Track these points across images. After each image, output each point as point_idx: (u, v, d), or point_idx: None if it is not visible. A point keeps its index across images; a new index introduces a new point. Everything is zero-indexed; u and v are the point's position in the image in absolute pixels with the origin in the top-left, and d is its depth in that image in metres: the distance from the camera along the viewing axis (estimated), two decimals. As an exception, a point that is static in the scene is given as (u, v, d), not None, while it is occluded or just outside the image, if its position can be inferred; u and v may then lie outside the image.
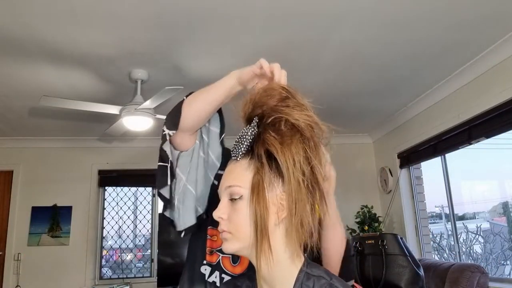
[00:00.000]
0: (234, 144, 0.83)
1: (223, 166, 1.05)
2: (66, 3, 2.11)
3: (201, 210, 1.07)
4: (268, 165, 0.78)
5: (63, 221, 4.44)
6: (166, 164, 1.03)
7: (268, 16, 2.31)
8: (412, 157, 4.07)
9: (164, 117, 3.24)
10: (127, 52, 2.68)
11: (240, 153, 0.81)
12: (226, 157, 1.08)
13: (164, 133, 1.04)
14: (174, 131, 1.02)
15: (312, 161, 0.78)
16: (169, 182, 1.03)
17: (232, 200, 0.80)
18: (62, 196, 4.46)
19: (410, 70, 3.12)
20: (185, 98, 1.04)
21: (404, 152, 4.17)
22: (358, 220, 4.31)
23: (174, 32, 2.45)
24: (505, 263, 3.86)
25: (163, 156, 1.03)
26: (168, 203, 1.05)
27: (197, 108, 1.01)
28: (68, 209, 4.47)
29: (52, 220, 4.43)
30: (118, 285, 4.15)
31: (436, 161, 3.82)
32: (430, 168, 4.22)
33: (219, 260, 1.06)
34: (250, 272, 0.87)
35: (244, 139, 0.81)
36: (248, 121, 0.84)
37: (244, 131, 0.82)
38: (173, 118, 1.02)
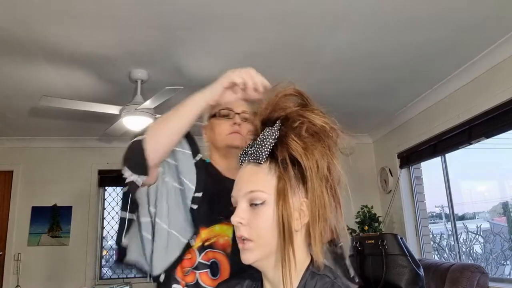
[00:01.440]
0: (255, 147, 0.80)
1: (199, 188, 1.02)
2: (66, 3, 2.11)
3: (184, 240, 1.02)
4: (292, 170, 0.77)
5: (63, 221, 4.44)
6: (133, 218, 0.98)
7: (268, 16, 2.31)
8: (412, 157, 4.07)
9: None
10: (127, 52, 2.68)
11: (264, 156, 0.78)
12: (202, 175, 1.04)
13: (129, 180, 0.94)
14: (145, 176, 0.95)
15: (332, 168, 0.79)
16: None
17: (253, 205, 0.77)
18: (62, 196, 4.46)
19: (410, 70, 3.12)
20: (140, 137, 0.96)
21: (404, 152, 4.17)
22: (358, 220, 4.30)
23: (174, 32, 2.45)
24: (505, 263, 3.86)
25: (132, 208, 0.97)
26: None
27: (163, 142, 0.95)
28: (68, 209, 4.47)
29: (52, 220, 4.43)
30: (118, 285, 4.15)
31: (436, 161, 3.82)
32: (430, 168, 4.22)
33: (197, 278, 1.02)
34: (252, 270, 0.87)
35: (267, 142, 0.79)
36: (265, 123, 0.83)
37: (265, 134, 0.80)
38: (138, 161, 0.94)
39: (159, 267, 1.00)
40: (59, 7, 2.15)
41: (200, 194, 1.03)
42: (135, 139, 0.97)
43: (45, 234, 4.39)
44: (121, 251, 1.00)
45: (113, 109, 2.99)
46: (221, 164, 1.21)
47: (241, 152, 0.86)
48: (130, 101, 2.98)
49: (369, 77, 3.23)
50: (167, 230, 1.01)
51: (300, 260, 0.78)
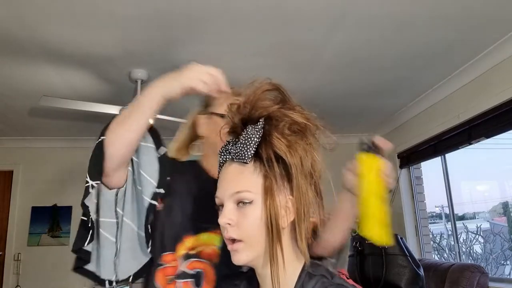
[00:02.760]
0: (239, 147, 0.79)
1: (161, 184, 0.97)
2: (66, 3, 2.11)
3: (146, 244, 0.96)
4: (277, 168, 0.77)
5: (63, 221, 4.44)
6: (85, 219, 0.91)
7: (268, 16, 2.31)
8: (412, 157, 4.07)
9: (164, 117, 3.22)
10: (127, 52, 2.68)
11: (250, 155, 0.78)
12: (165, 170, 0.99)
13: (87, 184, 0.89)
14: (98, 181, 0.89)
15: (315, 164, 0.79)
16: (88, 239, 0.91)
17: (240, 205, 0.77)
18: (62, 196, 4.46)
19: (410, 70, 3.12)
20: (102, 137, 0.90)
21: (404, 152, 4.17)
22: (358, 220, 4.30)
23: (174, 32, 2.45)
24: (505, 263, 3.86)
25: (85, 212, 0.91)
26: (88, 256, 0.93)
27: (124, 143, 0.90)
28: (68, 209, 4.47)
29: (52, 220, 4.43)
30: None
31: (436, 161, 3.82)
32: (430, 168, 4.22)
33: None
34: (250, 272, 0.87)
35: (252, 141, 0.78)
36: (245, 122, 0.82)
37: (249, 133, 0.79)
38: (96, 165, 0.88)
39: (126, 271, 0.96)
40: (59, 7, 2.14)
41: (162, 191, 0.97)
42: (99, 139, 0.91)
43: (45, 234, 4.39)
44: (84, 257, 0.93)
45: (113, 109, 2.99)
46: (214, 163, 1.14)
47: (220, 150, 0.84)
48: (130, 101, 2.97)
49: (369, 77, 3.23)
50: (136, 231, 0.97)
51: (288, 258, 0.78)
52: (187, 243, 1.00)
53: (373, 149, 0.85)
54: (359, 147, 0.87)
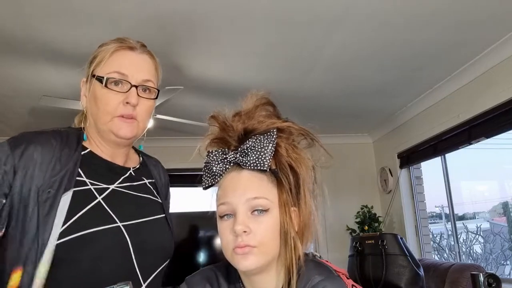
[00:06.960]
0: (255, 155, 0.79)
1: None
2: (66, 3, 2.11)
3: None
4: (290, 179, 0.79)
5: (63, 221, 4.43)
6: None
7: (268, 16, 2.31)
8: (412, 157, 4.07)
9: (164, 117, 3.20)
10: (127, 52, 2.68)
11: (268, 163, 0.78)
12: None
13: None
14: None
15: (316, 177, 0.82)
16: None
17: (255, 212, 0.77)
18: (62, 196, 4.45)
19: (410, 70, 3.12)
20: None
21: (404, 152, 4.17)
22: (358, 220, 4.31)
23: (174, 32, 2.45)
24: (505, 263, 3.87)
25: None
26: None
27: None
28: (68, 209, 4.46)
29: (52, 220, 4.42)
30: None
31: (436, 161, 3.82)
32: (430, 168, 4.23)
33: None
34: (227, 269, 0.87)
35: (268, 150, 0.78)
36: (249, 132, 0.82)
37: (264, 142, 0.79)
38: None
39: None
40: (59, 7, 2.15)
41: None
42: None
43: (45, 234, 4.38)
44: None
45: (113, 109, 2.99)
46: (103, 150, 0.95)
47: (214, 159, 0.82)
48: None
49: (369, 77, 3.23)
50: None
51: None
52: (12, 280, 0.87)
53: None
54: None
